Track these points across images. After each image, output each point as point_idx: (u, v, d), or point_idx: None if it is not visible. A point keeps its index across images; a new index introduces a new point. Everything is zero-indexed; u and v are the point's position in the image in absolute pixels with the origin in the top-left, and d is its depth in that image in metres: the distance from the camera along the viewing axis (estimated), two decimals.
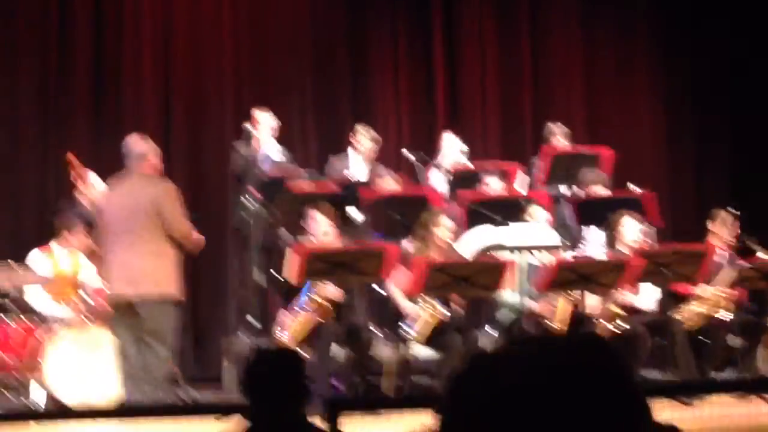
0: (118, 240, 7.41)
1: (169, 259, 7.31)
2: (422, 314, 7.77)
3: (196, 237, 7.54)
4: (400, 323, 7.99)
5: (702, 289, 8.18)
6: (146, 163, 7.41)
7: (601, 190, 9.13)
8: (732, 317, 8.19)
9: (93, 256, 8.73)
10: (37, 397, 7.78)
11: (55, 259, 8.58)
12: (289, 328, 7.73)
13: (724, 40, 12.09)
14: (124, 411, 6.81)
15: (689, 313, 8.23)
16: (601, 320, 7.97)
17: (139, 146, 7.48)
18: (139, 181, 7.42)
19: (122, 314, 7.40)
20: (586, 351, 1.09)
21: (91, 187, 9.13)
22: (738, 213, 8.47)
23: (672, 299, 8.29)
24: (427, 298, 7.67)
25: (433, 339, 7.83)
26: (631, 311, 8.12)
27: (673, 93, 12.15)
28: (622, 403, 1.07)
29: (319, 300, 7.64)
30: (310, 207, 8.04)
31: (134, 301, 7.28)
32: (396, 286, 7.86)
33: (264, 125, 9.61)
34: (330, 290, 7.72)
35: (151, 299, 7.24)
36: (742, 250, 8.16)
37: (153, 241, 7.27)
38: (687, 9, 12.14)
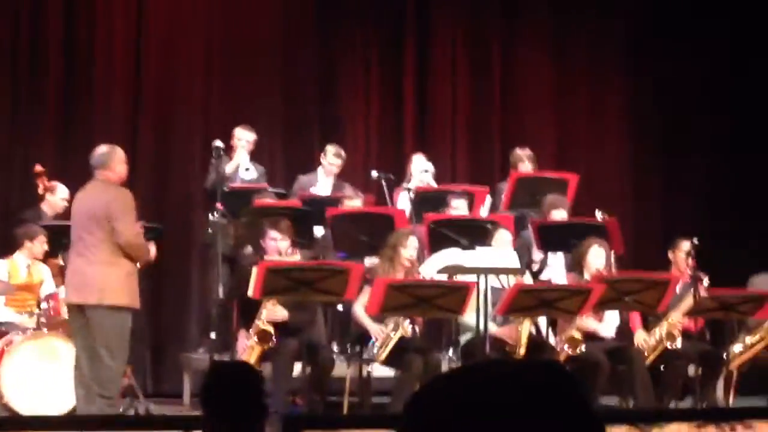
0: (74, 247, 7.39)
1: (121, 268, 7.20)
2: (386, 332, 7.77)
3: (141, 246, 7.42)
4: (362, 343, 8.00)
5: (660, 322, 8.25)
6: (107, 170, 7.35)
7: (562, 215, 9.14)
8: (680, 346, 8.24)
9: (54, 265, 8.73)
10: None
11: (15, 269, 8.53)
12: (244, 351, 7.72)
13: (694, 68, 12.18)
14: (78, 422, 6.74)
15: (645, 343, 8.28)
16: (563, 346, 8.00)
17: (102, 153, 7.42)
18: (95, 188, 7.37)
19: (76, 323, 7.34)
20: (544, 375, 1.09)
21: (59, 198, 9.12)
22: (697, 243, 8.50)
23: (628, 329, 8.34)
24: (394, 317, 7.67)
25: (394, 359, 7.82)
26: (592, 338, 8.15)
27: (643, 120, 12.22)
28: (579, 427, 1.07)
29: (262, 325, 7.61)
30: (267, 225, 8.02)
31: (85, 309, 7.23)
32: (361, 306, 7.84)
33: (241, 141, 9.69)
34: (279, 314, 7.70)
35: (100, 308, 7.16)
36: (694, 280, 8.20)
37: (104, 249, 7.18)
38: (657, 37, 12.23)
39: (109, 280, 7.16)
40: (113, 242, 7.17)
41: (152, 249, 7.72)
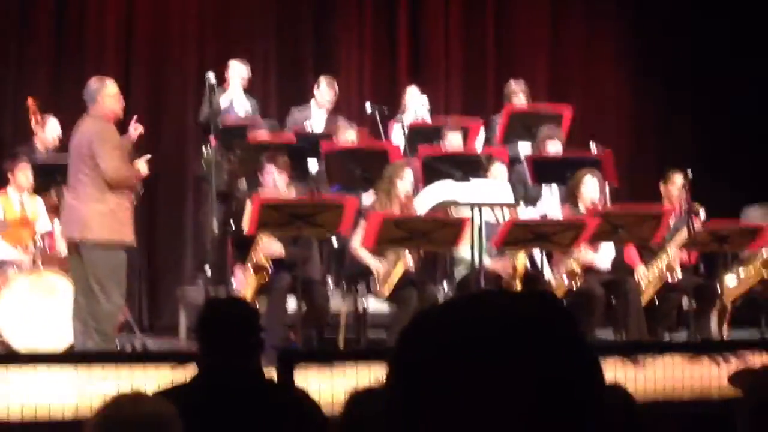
0: (68, 183, 7.40)
1: (106, 204, 7.19)
2: (387, 267, 7.78)
3: (125, 180, 7.32)
4: (360, 277, 8.02)
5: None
6: (96, 105, 7.30)
7: (556, 146, 9.11)
8: (680, 277, 8.27)
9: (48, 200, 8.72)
10: None
11: (9, 204, 8.51)
12: (241, 285, 7.73)
13: (694, 14, 12.13)
14: (76, 357, 6.77)
15: (645, 277, 8.31)
16: (561, 277, 8.01)
17: (92, 88, 7.37)
18: (84, 123, 7.34)
19: (73, 258, 7.35)
20: (537, 307, 1.08)
21: (48, 133, 9.06)
22: (690, 176, 8.49)
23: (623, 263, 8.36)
24: (394, 250, 7.68)
25: (390, 293, 7.84)
26: (588, 270, 8.17)
27: (639, 54, 12.18)
28: (573, 361, 1.05)
29: (259, 260, 7.62)
30: (265, 159, 8.00)
31: (79, 244, 7.23)
32: (358, 242, 7.84)
33: (235, 75, 9.63)
34: (274, 248, 7.70)
35: (91, 243, 7.17)
36: (688, 213, 8.21)
37: (92, 185, 7.17)
38: None
39: (92, 215, 7.16)
40: (99, 178, 7.15)
41: (142, 166, 7.54)
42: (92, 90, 7.34)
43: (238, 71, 9.70)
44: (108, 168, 7.15)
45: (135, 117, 7.82)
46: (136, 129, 7.70)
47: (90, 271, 7.17)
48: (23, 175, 8.49)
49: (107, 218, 7.18)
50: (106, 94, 7.33)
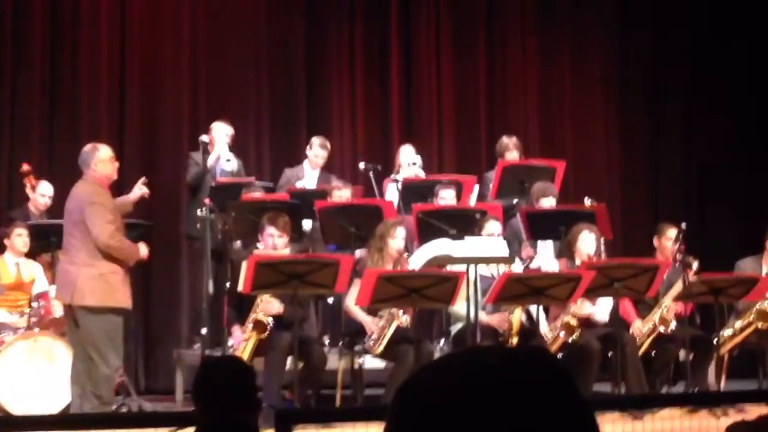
0: (63, 247, 7.42)
1: (97, 268, 7.16)
2: (381, 325, 7.77)
3: (118, 248, 7.28)
4: (355, 336, 8.00)
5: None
6: (90, 170, 7.32)
7: (550, 202, 9.14)
8: (674, 328, 8.26)
9: (44, 262, 8.73)
10: None
11: (5, 269, 8.50)
12: (239, 345, 7.71)
13: (683, 54, 12.25)
14: (72, 421, 6.72)
15: (639, 331, 8.31)
16: (557, 333, 8.01)
17: (85, 153, 7.40)
18: (77, 188, 7.36)
19: (71, 323, 7.34)
20: (531, 362, 1.08)
21: (39, 194, 9.10)
22: (684, 228, 8.52)
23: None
24: (389, 308, 7.67)
25: (386, 350, 7.82)
26: (585, 324, 8.17)
27: (628, 106, 12.28)
28: (566, 414, 1.05)
29: (258, 317, 7.64)
30: (266, 221, 8.00)
31: (72, 309, 7.22)
32: (353, 300, 7.83)
33: (220, 134, 9.66)
34: (274, 307, 7.71)
35: (83, 308, 7.15)
36: (683, 265, 8.23)
37: (84, 249, 7.16)
38: (647, 20, 12.28)
39: (83, 280, 7.14)
40: (91, 243, 7.16)
41: (143, 248, 7.56)
42: (85, 155, 7.37)
43: (222, 130, 9.73)
44: (99, 234, 7.14)
45: (143, 178, 7.85)
46: (140, 189, 7.72)
47: (85, 336, 7.16)
48: (20, 239, 8.50)
49: (99, 283, 7.17)
50: (99, 159, 7.35)
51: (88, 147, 7.48)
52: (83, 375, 7.14)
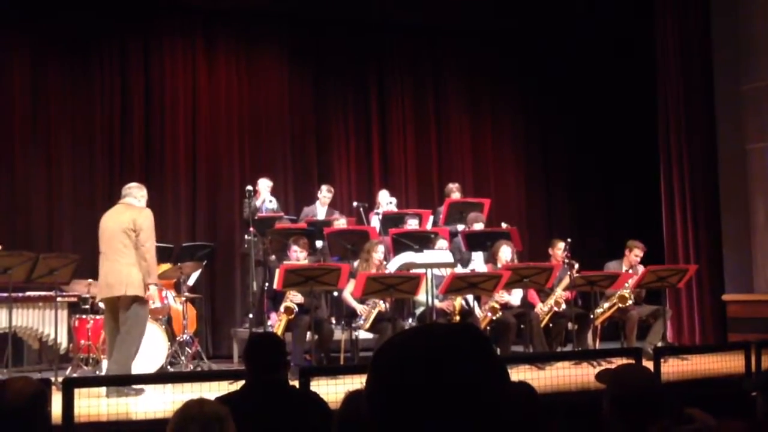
0: (105, 253, 6.73)
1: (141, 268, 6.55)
2: (369, 309, 7.74)
3: (151, 257, 6.59)
4: (352, 317, 7.96)
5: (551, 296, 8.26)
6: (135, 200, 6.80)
7: (480, 225, 9.16)
8: (564, 308, 8.26)
9: None
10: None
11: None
12: (275, 324, 7.68)
13: (566, 132, 12.28)
14: (166, 377, 6.66)
15: (541, 310, 8.30)
16: (486, 313, 8.00)
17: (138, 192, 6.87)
18: (120, 207, 6.79)
19: (108, 312, 6.77)
20: (467, 332, 1.10)
21: None
22: (569, 241, 8.56)
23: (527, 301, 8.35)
24: (373, 298, 7.64)
25: (374, 327, 7.79)
26: (505, 306, 8.16)
27: (531, 162, 12.31)
28: (488, 366, 1.07)
29: (288, 304, 7.59)
30: (292, 241, 7.97)
31: (115, 299, 6.63)
32: (348, 293, 7.81)
33: (264, 186, 9.68)
34: (298, 298, 7.66)
35: (125, 297, 6.57)
36: (569, 266, 8.24)
37: (129, 254, 6.58)
38: (543, 108, 12.30)
39: (132, 276, 6.54)
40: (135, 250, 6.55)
41: (154, 294, 6.67)
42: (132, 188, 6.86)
43: (265, 184, 9.77)
44: (145, 248, 6.55)
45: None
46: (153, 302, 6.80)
47: (122, 319, 6.58)
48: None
49: (141, 280, 6.58)
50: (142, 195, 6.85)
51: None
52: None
